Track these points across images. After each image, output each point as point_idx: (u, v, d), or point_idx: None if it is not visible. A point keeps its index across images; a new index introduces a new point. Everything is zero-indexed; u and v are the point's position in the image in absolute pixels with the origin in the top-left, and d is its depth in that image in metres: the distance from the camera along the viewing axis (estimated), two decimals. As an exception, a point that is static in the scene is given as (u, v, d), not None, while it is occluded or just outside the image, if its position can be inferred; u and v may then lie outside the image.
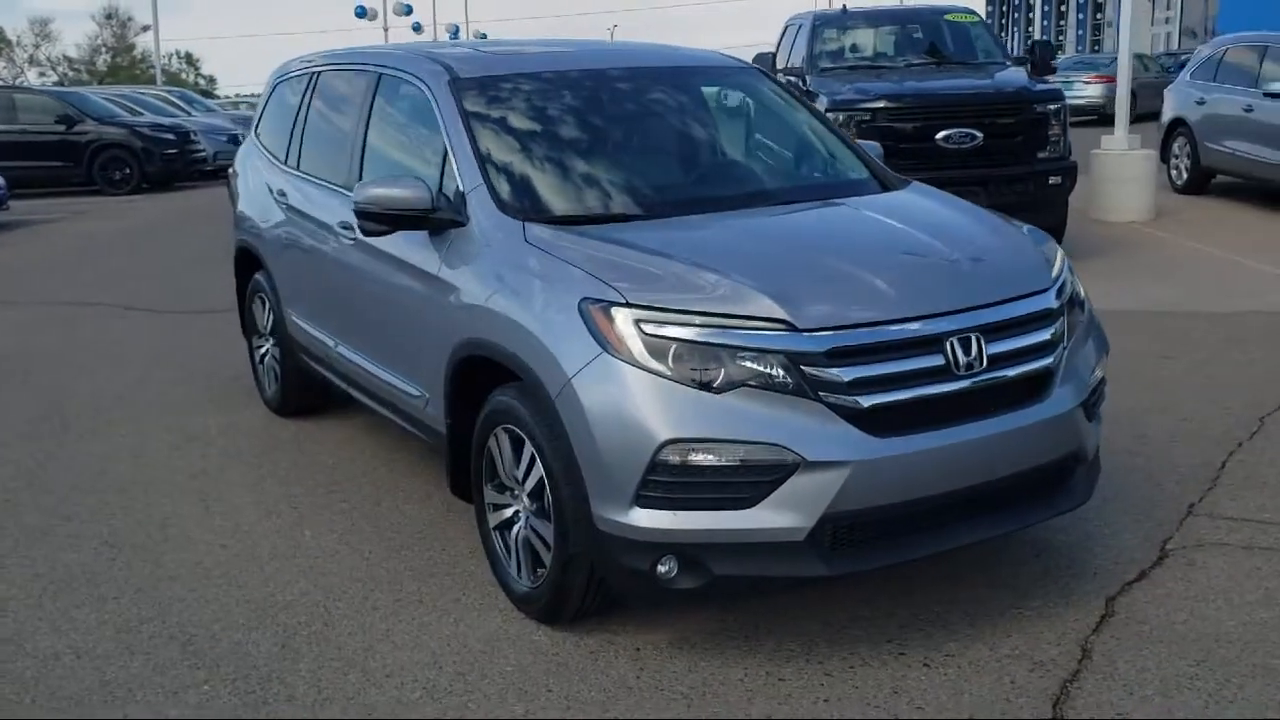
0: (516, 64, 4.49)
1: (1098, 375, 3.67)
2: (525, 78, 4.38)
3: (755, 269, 3.32)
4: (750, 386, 3.06)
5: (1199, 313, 7.45)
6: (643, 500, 3.10)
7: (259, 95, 6.95)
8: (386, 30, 44.36)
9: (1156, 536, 4.04)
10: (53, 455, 5.37)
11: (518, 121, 4.19)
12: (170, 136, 19.98)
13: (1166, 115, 13.34)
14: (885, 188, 4.30)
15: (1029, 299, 3.45)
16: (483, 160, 3.92)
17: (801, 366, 3.07)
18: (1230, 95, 12.06)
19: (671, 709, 3.12)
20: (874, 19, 10.73)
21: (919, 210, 4.05)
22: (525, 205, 3.81)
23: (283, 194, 5.31)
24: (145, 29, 57.75)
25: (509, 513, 3.67)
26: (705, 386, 3.07)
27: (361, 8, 43.32)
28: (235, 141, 22.38)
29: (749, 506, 3.07)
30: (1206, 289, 8.23)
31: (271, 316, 5.66)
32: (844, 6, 10.77)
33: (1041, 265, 3.64)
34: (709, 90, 4.75)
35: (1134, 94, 12.92)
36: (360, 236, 4.33)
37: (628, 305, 3.16)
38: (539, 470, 3.40)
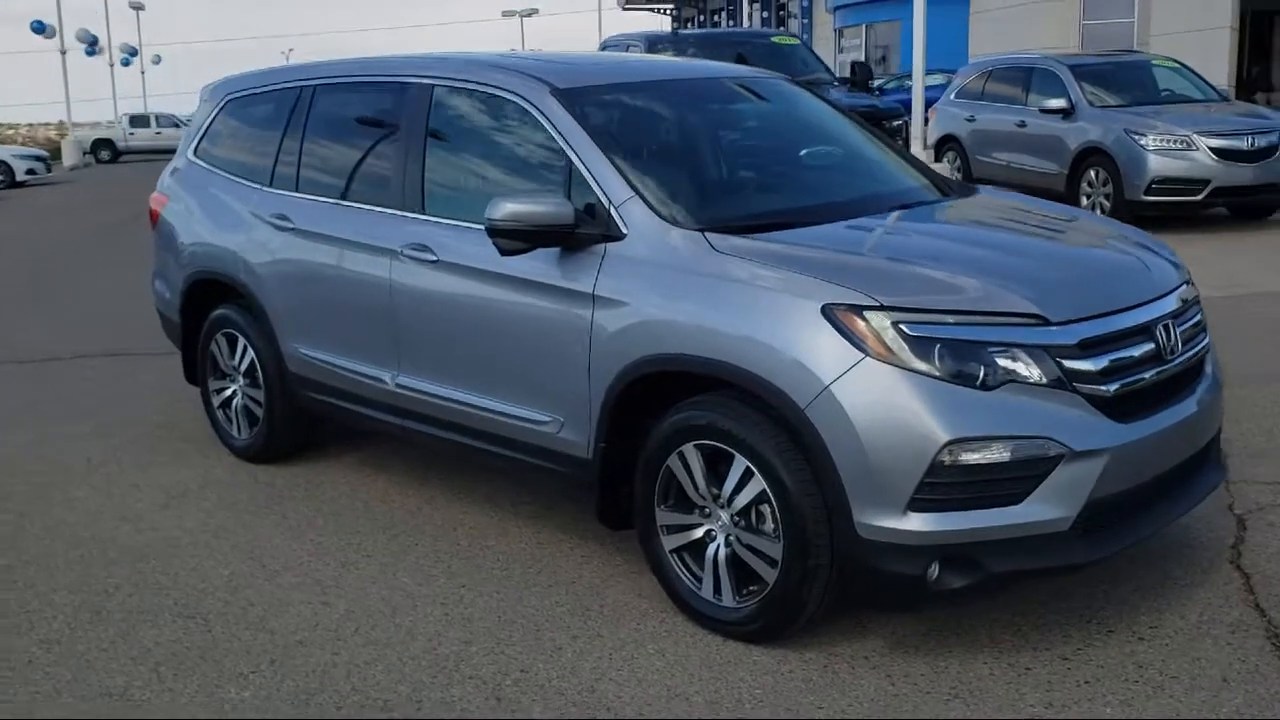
0: (600, 73, 4.35)
1: None
2: (621, 88, 4.26)
3: (974, 267, 3.39)
4: (1015, 382, 3.13)
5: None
6: (917, 504, 3.10)
7: None
8: (64, 52, 40.78)
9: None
10: (22, 529, 4.63)
11: (637, 131, 4.07)
12: None
13: (935, 133, 14.49)
14: (945, 193, 4.48)
15: (1183, 286, 3.73)
16: (623, 172, 3.77)
17: (1058, 359, 3.16)
18: (1001, 114, 13.28)
19: (953, 709, 3.12)
20: (706, 41, 11.05)
21: (1041, 211, 4.27)
22: (694, 215, 3.70)
23: (283, 218, 4.84)
24: None
25: (698, 533, 3.54)
26: (976, 384, 3.10)
27: (39, 23, 39.61)
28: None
29: (1019, 501, 3.12)
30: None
31: (248, 354, 5.13)
32: (675, 29, 11.01)
33: (1171, 255, 3.93)
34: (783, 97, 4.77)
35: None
36: (441, 258, 4.08)
37: (883, 308, 3.15)
38: (757, 484, 3.31)
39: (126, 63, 56.08)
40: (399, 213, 4.35)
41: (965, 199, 4.36)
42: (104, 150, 43.39)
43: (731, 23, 42.09)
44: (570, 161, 3.86)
